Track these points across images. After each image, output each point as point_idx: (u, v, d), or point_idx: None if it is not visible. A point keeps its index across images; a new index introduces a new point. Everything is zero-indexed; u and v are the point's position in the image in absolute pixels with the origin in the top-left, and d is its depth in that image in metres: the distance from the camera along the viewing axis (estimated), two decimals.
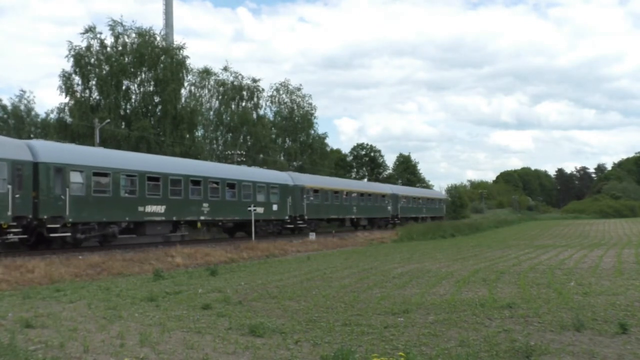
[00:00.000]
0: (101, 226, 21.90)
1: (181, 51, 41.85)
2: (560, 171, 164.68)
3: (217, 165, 32.75)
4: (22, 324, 8.86)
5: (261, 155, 49.36)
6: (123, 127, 38.39)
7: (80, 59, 38.51)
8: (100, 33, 39.41)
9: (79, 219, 20.67)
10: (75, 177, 20.66)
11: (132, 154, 27.04)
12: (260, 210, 30.22)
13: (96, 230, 21.73)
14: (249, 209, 29.74)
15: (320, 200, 37.17)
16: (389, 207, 48.47)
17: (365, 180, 75.86)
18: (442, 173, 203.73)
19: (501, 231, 50.16)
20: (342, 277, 15.01)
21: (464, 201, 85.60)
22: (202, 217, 26.63)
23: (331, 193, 38.73)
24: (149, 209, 23.51)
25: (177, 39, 54.07)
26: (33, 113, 50.18)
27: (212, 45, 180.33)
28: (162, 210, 24.10)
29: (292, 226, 34.20)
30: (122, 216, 22.55)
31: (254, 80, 52.34)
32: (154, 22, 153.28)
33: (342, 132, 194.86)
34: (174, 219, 24.99)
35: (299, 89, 59.57)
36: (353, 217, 41.94)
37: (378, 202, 46.76)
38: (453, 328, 8.13)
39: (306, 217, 34.84)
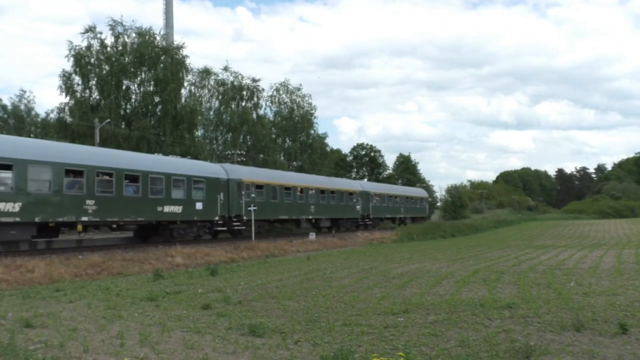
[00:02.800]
0: None
1: (181, 51, 41.94)
2: (560, 171, 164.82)
3: (110, 151, 25.36)
4: (22, 323, 8.86)
5: (261, 155, 49.37)
6: (123, 127, 38.42)
7: (80, 59, 38.58)
8: (101, 33, 39.55)
9: None
10: None
11: None
12: (175, 209, 24.96)
13: None
14: (253, 209, 28.86)
15: (266, 198, 31.76)
16: (358, 207, 43.12)
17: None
18: (442, 173, 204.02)
19: (501, 231, 50.12)
20: (342, 277, 15.00)
21: (464, 201, 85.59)
22: (84, 218, 20.77)
23: (281, 189, 33.34)
24: None
25: (177, 39, 54.15)
26: (33, 113, 50.35)
27: (211, 45, 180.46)
28: (16, 209, 18.55)
29: (224, 229, 29.26)
30: None
31: (254, 80, 52.45)
32: (154, 21, 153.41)
33: (341, 132, 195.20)
34: (37, 220, 19.30)
35: (298, 89, 59.71)
36: (310, 217, 36.38)
37: (344, 200, 41.18)
38: (453, 328, 8.13)
39: (245, 218, 29.57)
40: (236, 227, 29.42)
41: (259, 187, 31.33)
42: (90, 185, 21.11)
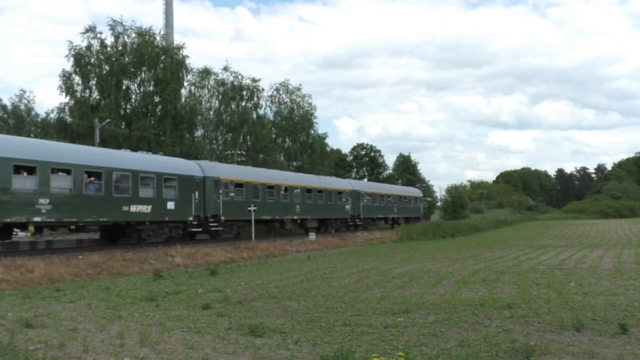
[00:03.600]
0: None
1: (181, 51, 41.92)
2: (560, 171, 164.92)
3: (68, 146, 23.94)
4: (22, 323, 8.86)
5: (261, 155, 49.37)
6: (123, 127, 38.42)
7: (80, 59, 38.58)
8: (101, 33, 39.54)
9: None
10: None
11: None
12: (143, 208, 23.11)
13: None
14: (253, 209, 28.53)
15: (246, 197, 29.68)
16: (348, 206, 41.16)
17: (361, 178, 75.50)
18: (442, 173, 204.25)
19: (501, 231, 50.13)
20: (342, 277, 15.00)
21: (464, 201, 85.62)
22: (36, 218, 19.02)
23: (263, 188, 31.38)
24: None
25: (177, 39, 54.15)
26: (33, 113, 50.34)
27: (211, 45, 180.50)
28: None
29: (199, 229, 27.14)
30: None
31: (254, 80, 52.41)
32: (154, 21, 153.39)
33: (341, 132, 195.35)
34: None
35: (298, 89, 59.65)
36: (296, 217, 34.30)
37: (333, 199, 39.08)
38: (453, 328, 8.13)
39: (223, 218, 27.76)
40: (213, 228, 27.48)
41: (239, 185, 29.41)
42: (43, 182, 19.23)
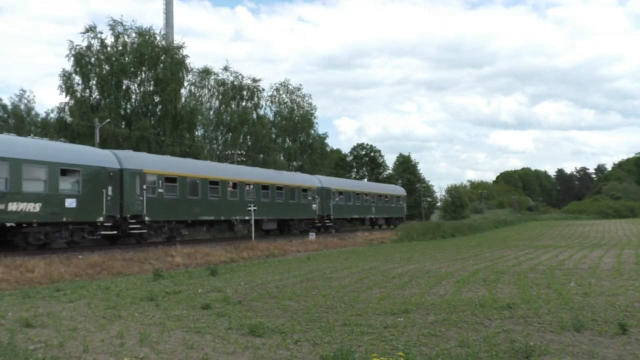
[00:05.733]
0: None
1: (181, 51, 41.93)
2: (560, 171, 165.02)
3: None
4: (22, 323, 8.86)
5: (261, 155, 49.38)
6: (123, 126, 38.43)
7: (80, 59, 38.59)
8: (101, 33, 39.54)
9: None
10: None
11: None
12: (29, 207, 18.90)
13: None
14: (253, 209, 27.96)
15: (180, 194, 25.52)
16: (315, 205, 36.97)
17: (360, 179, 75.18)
18: (442, 173, 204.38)
19: (501, 231, 50.14)
20: (342, 277, 15.01)
21: (464, 201, 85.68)
22: None
23: (204, 183, 27.13)
24: None
25: (177, 39, 54.13)
26: (33, 112, 50.32)
27: (211, 45, 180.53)
28: None
29: (114, 232, 22.65)
30: None
31: (254, 80, 52.43)
32: (154, 21, 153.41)
33: (341, 132, 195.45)
34: None
35: (299, 89, 59.71)
36: (248, 218, 29.71)
37: (296, 198, 35.02)
38: (453, 328, 8.13)
39: (147, 219, 23.56)
40: (134, 231, 23.21)
41: (171, 180, 25.09)
42: None
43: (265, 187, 32.25)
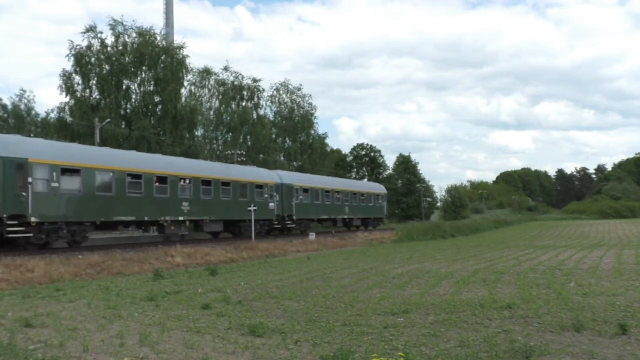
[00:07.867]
0: None
1: (181, 51, 41.93)
2: (560, 172, 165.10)
3: None
4: (22, 323, 8.86)
5: (261, 155, 49.38)
6: (123, 126, 38.43)
7: (80, 59, 38.60)
8: (101, 32, 39.54)
9: None
10: None
11: None
12: None
13: None
14: (253, 209, 27.53)
15: (86, 190, 21.23)
16: (272, 204, 32.42)
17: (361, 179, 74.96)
18: (441, 173, 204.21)
19: (501, 231, 50.18)
20: (342, 277, 15.01)
21: (464, 201, 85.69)
22: None
23: (121, 177, 22.76)
24: None
25: (177, 39, 54.15)
26: (33, 112, 50.40)
27: (211, 45, 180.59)
28: None
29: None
30: None
31: (254, 80, 52.45)
32: (154, 21, 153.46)
33: (341, 132, 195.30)
34: None
35: (299, 89, 59.74)
36: (182, 218, 25.69)
37: (248, 195, 30.30)
38: (453, 328, 8.13)
39: (32, 219, 19.13)
40: (12, 235, 18.84)
41: (72, 171, 20.85)
42: None
43: (206, 182, 27.54)
